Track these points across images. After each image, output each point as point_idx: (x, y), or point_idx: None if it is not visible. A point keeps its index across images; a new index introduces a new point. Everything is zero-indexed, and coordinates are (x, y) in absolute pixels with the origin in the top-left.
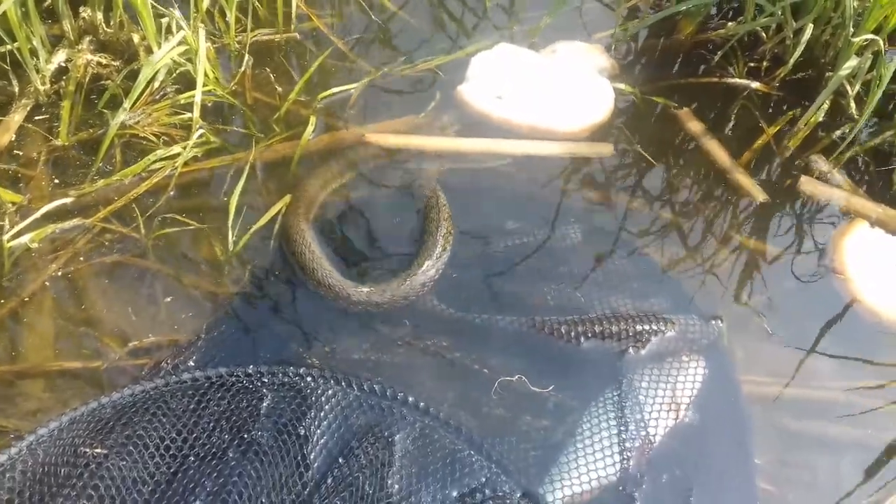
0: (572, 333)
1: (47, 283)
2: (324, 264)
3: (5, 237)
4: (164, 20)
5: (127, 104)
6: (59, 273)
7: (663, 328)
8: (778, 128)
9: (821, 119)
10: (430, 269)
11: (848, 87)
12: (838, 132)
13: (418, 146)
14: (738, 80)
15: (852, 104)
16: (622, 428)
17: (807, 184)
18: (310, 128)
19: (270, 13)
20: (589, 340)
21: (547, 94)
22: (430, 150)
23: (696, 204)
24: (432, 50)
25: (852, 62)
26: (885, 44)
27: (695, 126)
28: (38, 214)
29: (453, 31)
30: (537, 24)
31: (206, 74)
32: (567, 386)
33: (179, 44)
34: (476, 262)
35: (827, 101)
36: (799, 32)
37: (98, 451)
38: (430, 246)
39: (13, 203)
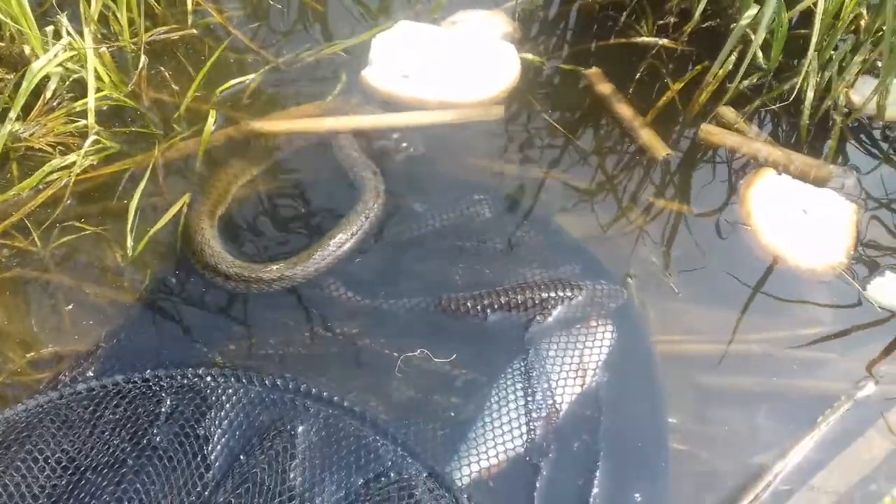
0: (479, 307)
1: None
2: (226, 257)
3: None
4: (50, 28)
5: (13, 114)
6: None
7: (570, 294)
8: (683, 83)
9: (730, 70)
10: (342, 243)
11: (752, 36)
12: (746, 83)
13: (305, 129)
14: (646, 39)
15: (759, 53)
16: (529, 398)
17: (705, 131)
18: (210, 122)
19: (168, 10)
20: (496, 313)
21: (452, 67)
22: (319, 131)
23: (605, 167)
24: (337, 35)
25: (752, 10)
26: None
27: (603, 87)
28: None
29: (357, 14)
30: None
31: (100, 79)
32: (476, 362)
33: (67, 50)
34: (384, 246)
35: (734, 54)
36: None
37: None
38: (346, 226)
39: None
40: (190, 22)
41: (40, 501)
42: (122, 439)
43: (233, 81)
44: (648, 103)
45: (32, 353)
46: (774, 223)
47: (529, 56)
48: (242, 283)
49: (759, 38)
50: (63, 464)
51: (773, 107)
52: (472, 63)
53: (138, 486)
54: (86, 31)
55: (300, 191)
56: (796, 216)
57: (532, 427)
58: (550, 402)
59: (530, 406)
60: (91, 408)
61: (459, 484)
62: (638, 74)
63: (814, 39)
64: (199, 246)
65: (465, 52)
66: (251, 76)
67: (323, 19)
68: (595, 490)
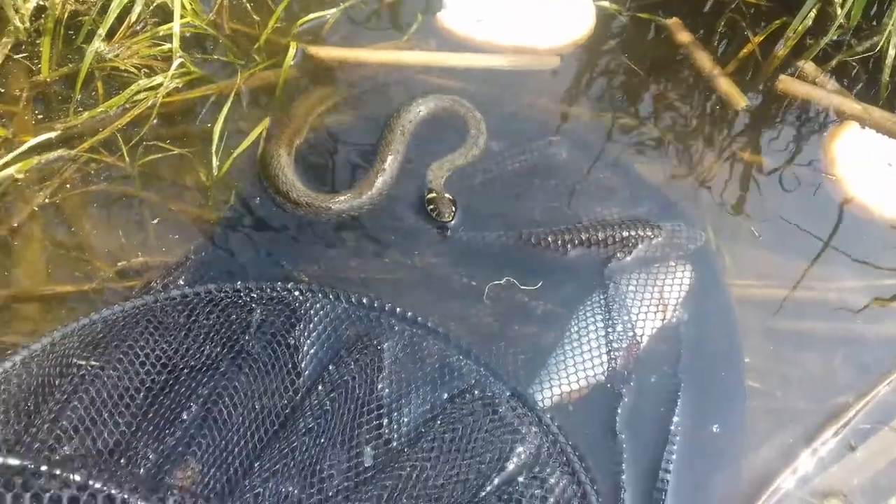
0: (559, 242)
1: (36, 211)
2: (297, 185)
3: None
4: None
5: (102, 31)
6: (48, 202)
7: (649, 234)
8: (764, 36)
9: (809, 25)
10: (393, 162)
11: None
12: (826, 39)
13: (362, 60)
14: None
15: (839, 10)
16: (609, 329)
17: (784, 82)
18: (290, 54)
19: None
20: (575, 248)
21: (526, 14)
22: (373, 62)
23: (682, 115)
24: None
25: None
26: None
27: (684, 36)
28: (23, 147)
29: None
30: None
31: (183, 6)
32: (555, 294)
33: None
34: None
35: (814, 10)
36: None
37: (92, 363)
38: (388, 143)
39: None
40: None
41: (140, 393)
42: (215, 344)
43: (313, 15)
44: (726, 56)
45: (123, 263)
46: (858, 174)
47: (607, 4)
48: (312, 212)
49: None
50: (160, 363)
51: (854, 63)
52: (546, 11)
53: (231, 389)
54: None
55: (376, 123)
56: (881, 169)
57: (613, 357)
58: (631, 334)
59: (611, 337)
60: (186, 313)
61: (542, 406)
62: (718, 27)
63: None
64: (274, 172)
65: (541, 1)
66: (331, 11)
67: None
68: (676, 419)
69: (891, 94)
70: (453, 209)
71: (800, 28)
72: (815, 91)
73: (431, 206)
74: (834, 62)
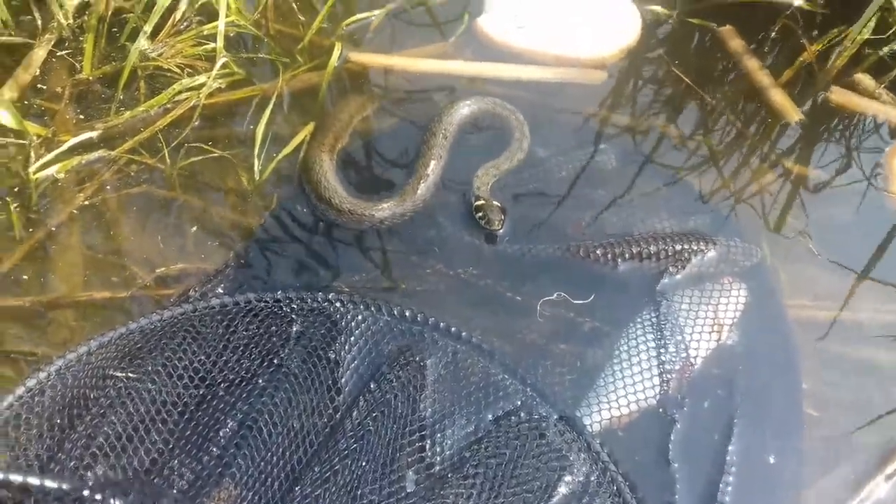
0: (609, 255)
1: (75, 214)
2: (340, 191)
3: (31, 169)
4: None
5: (147, 28)
6: (87, 203)
7: (703, 248)
8: (822, 46)
9: (867, 37)
10: (436, 168)
11: (894, 2)
12: (886, 49)
13: (405, 67)
14: None
15: None
16: (661, 350)
17: (837, 94)
18: (335, 55)
19: None
20: (626, 262)
21: (569, 22)
22: (417, 71)
23: (734, 126)
24: None
25: None
26: None
27: (736, 44)
28: (64, 147)
29: None
30: None
31: (228, 5)
32: (603, 311)
33: None
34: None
35: (874, 18)
36: None
37: (128, 374)
38: (430, 148)
39: (38, 136)
40: None
41: (177, 408)
42: (253, 357)
43: (359, 16)
44: (778, 66)
45: (161, 269)
46: None
47: (658, 8)
48: (355, 219)
49: None
50: (198, 377)
51: None
52: (589, 19)
53: (271, 407)
54: None
55: (418, 128)
56: None
57: (665, 379)
58: (684, 355)
59: (663, 358)
60: (224, 323)
61: (589, 430)
62: (772, 35)
63: None
64: (316, 178)
65: (582, 7)
66: (377, 12)
67: None
68: (731, 447)
69: None
70: (502, 217)
71: (858, 37)
72: (871, 104)
73: (480, 214)
74: (894, 74)
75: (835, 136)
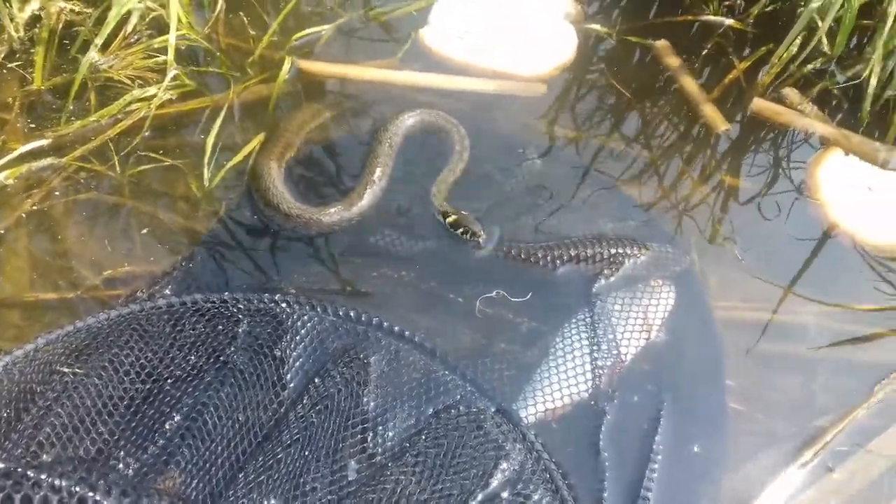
0: (548, 258)
1: (23, 218)
2: (287, 198)
3: None
4: None
5: (98, 41)
6: (35, 209)
7: (637, 252)
8: (749, 63)
9: (794, 53)
10: (382, 175)
11: (819, 22)
12: (810, 66)
13: (352, 76)
14: (712, 18)
15: (824, 39)
16: (594, 347)
17: (758, 105)
18: (285, 68)
19: None
20: (564, 265)
21: (509, 39)
22: (367, 80)
23: (669, 138)
24: None
25: None
26: None
27: (671, 60)
28: (13, 154)
29: None
30: None
31: (179, 19)
32: (541, 311)
33: None
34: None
35: (799, 38)
36: None
37: (75, 370)
38: (376, 156)
39: None
40: None
41: (122, 406)
42: (200, 354)
43: (308, 30)
44: (711, 81)
45: (108, 272)
46: (842, 199)
47: (597, 27)
48: (303, 224)
49: (825, 24)
50: (144, 373)
51: (836, 91)
52: (528, 37)
53: (216, 400)
54: None
55: (367, 137)
56: (863, 194)
57: (597, 375)
58: (615, 352)
59: (595, 355)
60: (171, 322)
61: (525, 422)
62: (701, 52)
63: (885, 29)
64: (265, 185)
65: (523, 25)
66: (326, 26)
67: None
68: (658, 437)
69: (871, 122)
70: (481, 225)
71: (784, 55)
72: (788, 113)
73: (461, 229)
74: (816, 89)
75: (763, 147)
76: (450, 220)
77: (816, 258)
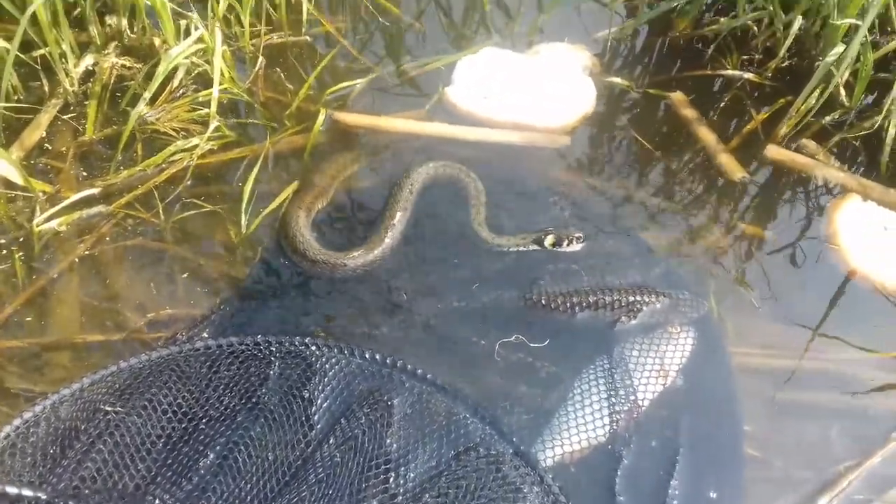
0: (568, 304)
1: (75, 263)
2: (313, 244)
3: (35, 222)
4: (184, 22)
5: (147, 94)
6: (86, 254)
7: (655, 300)
8: (767, 115)
9: (812, 105)
10: (402, 218)
11: (836, 74)
12: (828, 118)
13: (384, 127)
14: (731, 72)
15: (842, 91)
16: (612, 393)
17: (772, 152)
18: (320, 120)
19: (284, 18)
20: (583, 311)
21: (530, 94)
22: (395, 131)
23: (688, 188)
24: (436, 52)
25: (838, 48)
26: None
27: (687, 111)
28: (66, 202)
29: (455, 34)
30: (533, 24)
31: (222, 73)
32: (560, 356)
33: (197, 41)
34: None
35: (817, 90)
36: (789, 25)
37: (117, 409)
38: (397, 201)
39: (44, 192)
40: (304, 30)
41: (161, 440)
42: (233, 395)
43: (342, 84)
44: (732, 132)
45: (152, 315)
46: (860, 244)
47: (618, 80)
48: (328, 269)
49: (842, 76)
50: (181, 412)
51: (855, 142)
52: (549, 91)
53: (247, 440)
54: (216, 29)
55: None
56: (881, 239)
57: (614, 419)
58: (633, 398)
59: (613, 400)
60: (208, 363)
61: (543, 465)
62: (721, 104)
63: None
64: (292, 233)
65: (544, 80)
66: (357, 81)
67: (423, 37)
68: (674, 482)
69: (891, 173)
70: (563, 230)
71: (802, 107)
72: (803, 160)
73: (565, 242)
74: (834, 140)
75: (783, 196)
76: (548, 241)
77: (835, 304)
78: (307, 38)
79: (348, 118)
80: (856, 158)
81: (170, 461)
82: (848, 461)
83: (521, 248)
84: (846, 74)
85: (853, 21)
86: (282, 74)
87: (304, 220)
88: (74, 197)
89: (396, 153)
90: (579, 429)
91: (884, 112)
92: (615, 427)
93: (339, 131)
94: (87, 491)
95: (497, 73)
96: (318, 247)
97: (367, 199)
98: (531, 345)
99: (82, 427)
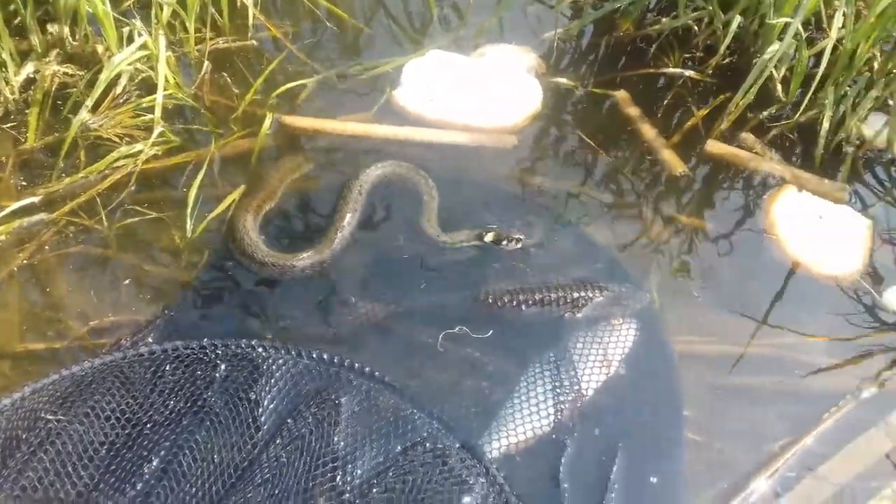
0: (514, 302)
1: (14, 272)
2: (261, 247)
3: None
4: (126, 30)
5: (89, 102)
6: (26, 263)
7: (598, 294)
8: (708, 110)
9: (750, 100)
10: (351, 220)
11: (773, 71)
12: (766, 112)
13: (331, 130)
14: (673, 70)
15: (778, 87)
16: (556, 384)
17: (712, 146)
18: (266, 124)
19: (229, 22)
20: (530, 308)
21: (477, 95)
22: (345, 133)
23: (631, 183)
24: (383, 55)
25: (775, 46)
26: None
27: (631, 109)
28: (6, 211)
29: (403, 37)
30: (481, 27)
31: (166, 79)
32: (506, 350)
33: (140, 48)
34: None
35: (755, 86)
36: (728, 24)
37: (59, 417)
38: (346, 202)
39: None
40: (249, 34)
41: (102, 450)
42: (179, 399)
43: (288, 85)
44: (674, 128)
45: (94, 322)
46: (796, 233)
47: (563, 80)
48: (277, 271)
49: (779, 73)
50: (124, 418)
51: (791, 136)
52: (495, 92)
53: (192, 443)
54: (160, 35)
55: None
56: (817, 228)
57: (559, 410)
58: (577, 388)
59: (557, 391)
60: (152, 369)
61: (489, 456)
62: (665, 101)
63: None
64: (239, 236)
65: (490, 81)
66: (304, 81)
67: (370, 40)
68: (615, 467)
69: (826, 165)
70: (509, 230)
71: (741, 102)
72: (741, 153)
73: (504, 242)
74: (773, 133)
75: (722, 188)
76: (489, 238)
77: (772, 292)
78: (253, 42)
79: (296, 122)
80: (793, 150)
81: (113, 467)
82: (783, 440)
83: (465, 244)
84: (783, 70)
85: (788, 20)
86: (228, 79)
87: (252, 222)
88: (14, 205)
89: (345, 155)
90: (524, 420)
91: (818, 107)
92: (559, 417)
93: (287, 135)
94: (27, 500)
95: (443, 75)
96: (267, 249)
97: (317, 200)
98: (473, 336)
99: (23, 436)
